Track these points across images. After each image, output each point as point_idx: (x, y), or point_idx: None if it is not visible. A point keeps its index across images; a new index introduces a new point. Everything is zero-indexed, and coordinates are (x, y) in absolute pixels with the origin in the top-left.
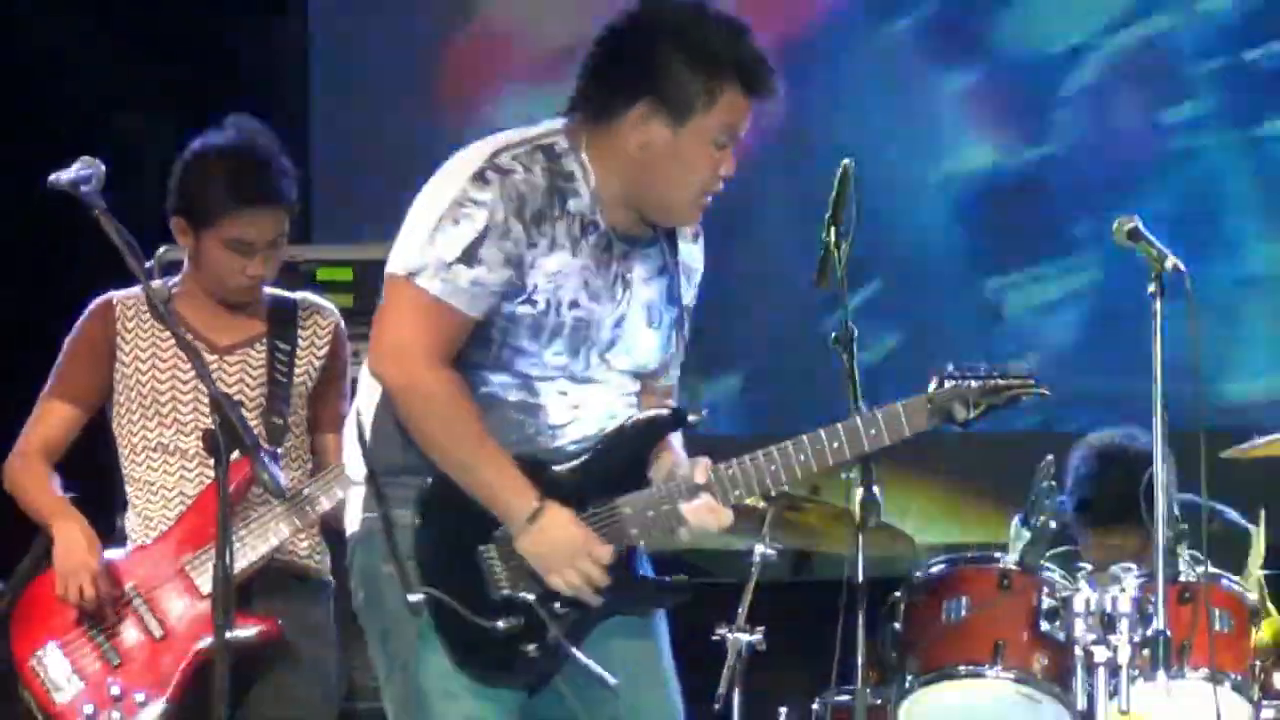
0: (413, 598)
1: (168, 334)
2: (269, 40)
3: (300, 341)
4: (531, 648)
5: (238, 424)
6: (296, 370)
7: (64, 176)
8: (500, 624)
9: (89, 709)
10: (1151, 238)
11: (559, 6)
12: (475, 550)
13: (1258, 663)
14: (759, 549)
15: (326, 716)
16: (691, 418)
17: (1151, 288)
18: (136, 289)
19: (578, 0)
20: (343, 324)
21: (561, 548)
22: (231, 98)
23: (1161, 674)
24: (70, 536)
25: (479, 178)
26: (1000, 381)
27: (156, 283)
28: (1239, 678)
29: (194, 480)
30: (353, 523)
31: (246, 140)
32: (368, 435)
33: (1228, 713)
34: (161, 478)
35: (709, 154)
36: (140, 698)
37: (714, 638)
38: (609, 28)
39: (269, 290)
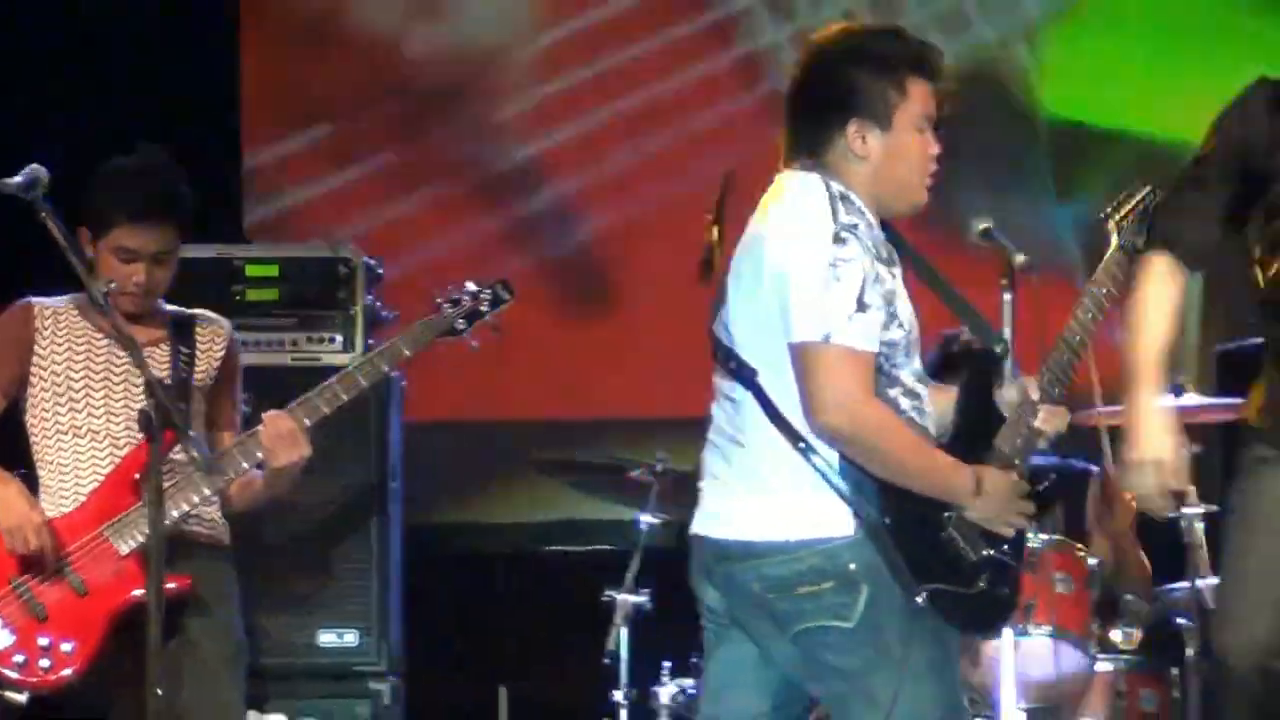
0: (919, 597)
1: (83, 329)
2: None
3: (199, 347)
4: (1005, 591)
5: (170, 406)
6: (197, 369)
7: (12, 181)
8: (982, 584)
9: (20, 658)
10: (1002, 238)
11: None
12: (939, 536)
13: (1095, 621)
14: (645, 519)
15: (236, 667)
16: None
17: (1003, 281)
18: (55, 300)
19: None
20: (235, 335)
21: (1001, 500)
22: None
23: (1009, 631)
24: (8, 496)
25: (838, 240)
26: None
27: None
28: (1077, 634)
29: (104, 459)
30: (817, 528)
31: (143, 162)
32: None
33: (1066, 664)
34: (73, 458)
35: (918, 141)
36: (67, 648)
37: (604, 599)
38: (794, 79)
39: (168, 307)
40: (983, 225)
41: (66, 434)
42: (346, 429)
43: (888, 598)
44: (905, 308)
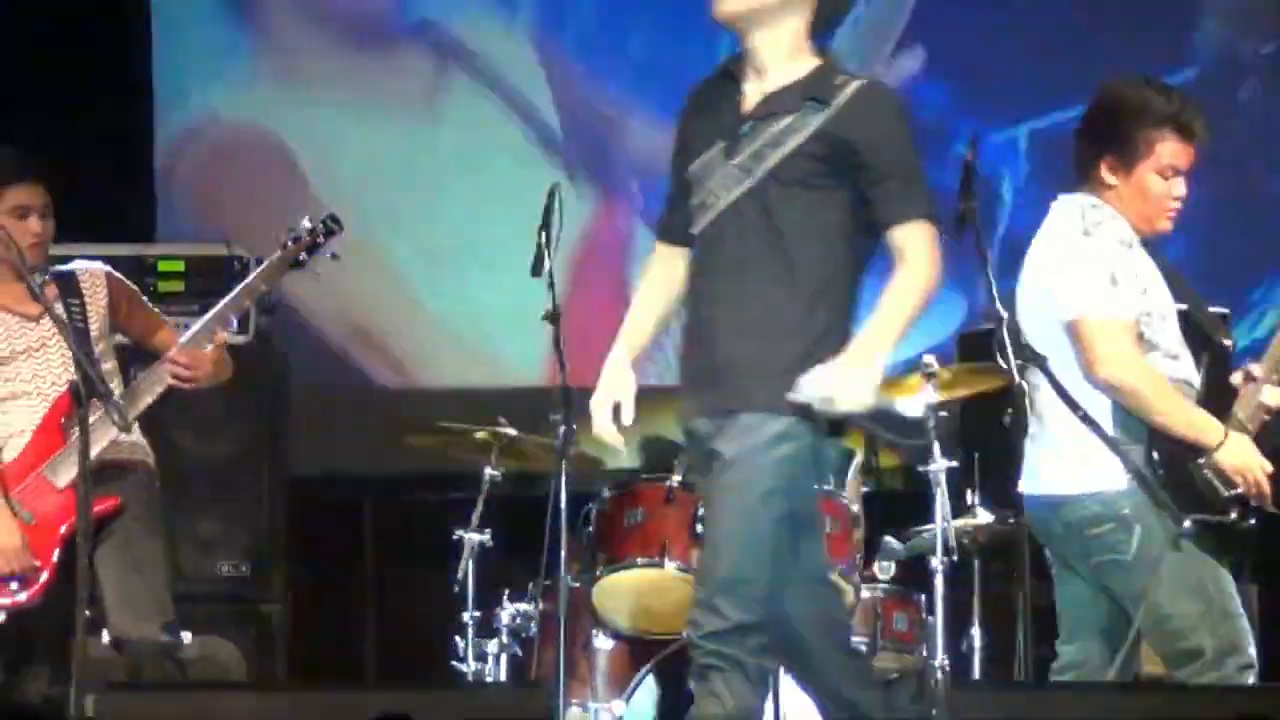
0: (1186, 523)
1: (3, 307)
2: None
3: (85, 295)
4: (1251, 523)
5: (94, 376)
6: (91, 320)
7: None
8: (1233, 515)
9: None
10: None
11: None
12: (1195, 474)
13: (859, 555)
14: (488, 471)
15: (165, 558)
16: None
17: None
18: None
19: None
20: (110, 270)
21: (1248, 451)
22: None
23: None
24: (3, 522)
25: (1086, 234)
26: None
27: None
28: (843, 566)
29: (37, 414)
30: (1096, 482)
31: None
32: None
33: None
34: (15, 419)
35: (1158, 186)
36: (37, 562)
37: (454, 537)
38: (1085, 115)
39: (52, 268)
40: None
41: (4, 399)
42: (244, 395)
43: (1157, 532)
44: (1156, 286)
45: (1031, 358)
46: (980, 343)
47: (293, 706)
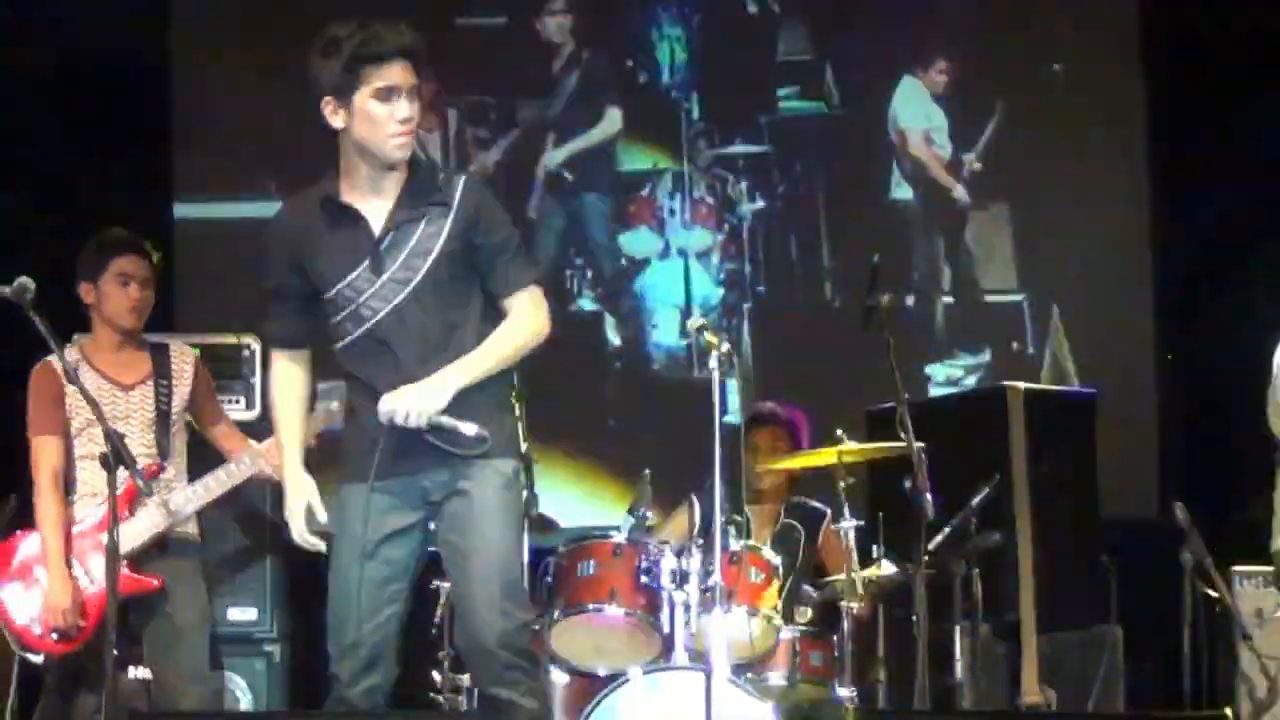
0: None
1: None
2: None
3: (174, 377)
4: None
5: (123, 450)
6: (174, 401)
7: (6, 290)
8: None
9: (38, 630)
10: (711, 329)
11: None
12: None
13: (780, 604)
14: None
15: (202, 629)
16: None
17: (712, 363)
18: (51, 356)
19: None
20: (196, 354)
21: None
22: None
23: (718, 609)
24: (58, 573)
25: None
26: None
27: (68, 355)
28: (767, 612)
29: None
30: None
31: (113, 228)
32: None
33: (759, 635)
34: (88, 478)
35: None
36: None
37: (432, 587)
38: None
39: (148, 338)
40: (699, 322)
41: (84, 458)
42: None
43: None
44: None
45: (1271, 438)
46: (884, 419)
47: None
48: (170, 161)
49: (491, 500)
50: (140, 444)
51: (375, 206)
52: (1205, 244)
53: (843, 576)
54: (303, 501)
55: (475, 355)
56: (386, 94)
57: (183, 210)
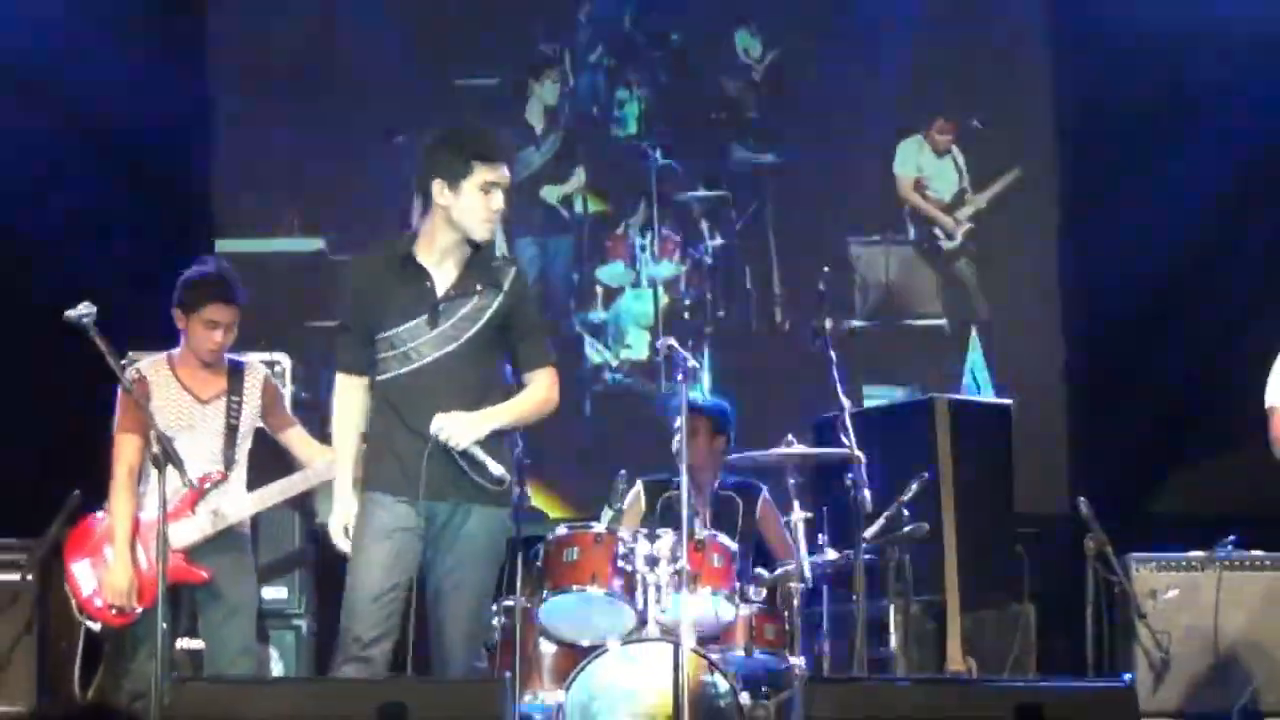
0: None
1: (168, 387)
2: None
3: (245, 394)
4: None
5: (171, 451)
6: (243, 417)
7: (71, 314)
8: None
9: (99, 603)
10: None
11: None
12: None
13: (739, 584)
14: None
15: (250, 609)
16: None
17: (678, 377)
18: (152, 361)
19: None
20: (267, 372)
21: None
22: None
23: (685, 590)
24: (122, 558)
25: None
26: None
27: (127, 376)
28: (726, 591)
29: (177, 480)
30: None
31: (218, 267)
32: None
33: (721, 612)
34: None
35: None
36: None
37: None
38: None
39: (228, 356)
40: (668, 342)
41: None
42: (278, 465)
43: None
44: None
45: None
46: (828, 426)
47: (315, 696)
48: (210, 203)
49: (483, 543)
50: (208, 452)
51: (442, 271)
52: (1105, 279)
53: (792, 561)
54: (346, 515)
55: (505, 407)
56: (489, 188)
57: (222, 245)
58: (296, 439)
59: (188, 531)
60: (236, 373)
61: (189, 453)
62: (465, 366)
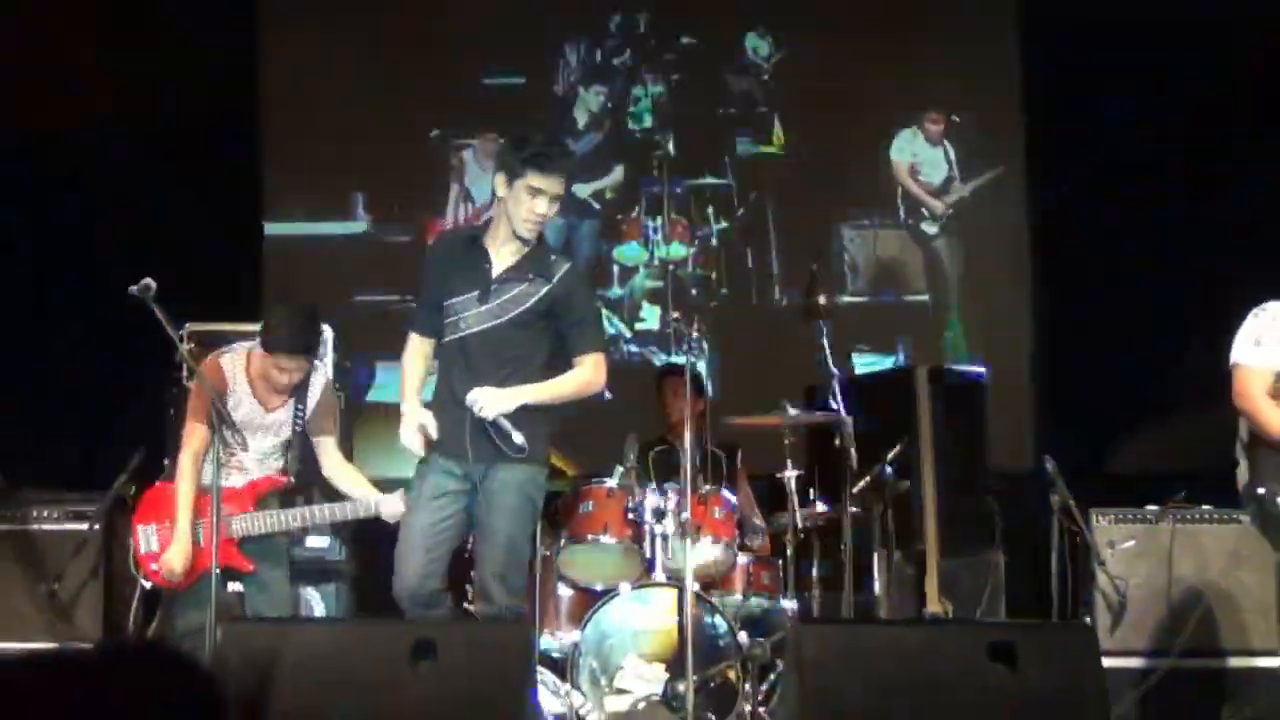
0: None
1: (243, 379)
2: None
3: (309, 399)
4: None
5: (226, 416)
6: (305, 420)
7: (134, 289)
8: None
9: (154, 566)
10: (686, 321)
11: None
12: None
13: (738, 533)
14: None
15: (284, 581)
16: None
17: (687, 347)
18: (233, 352)
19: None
20: (329, 379)
21: None
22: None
23: (689, 539)
24: (181, 543)
25: (1260, 313)
26: None
27: (185, 347)
28: (726, 541)
29: (235, 473)
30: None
31: (296, 309)
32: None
33: (720, 559)
34: (231, 459)
35: None
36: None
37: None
38: None
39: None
40: None
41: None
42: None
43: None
44: None
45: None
46: (820, 391)
47: (352, 634)
48: (260, 188)
49: (512, 496)
50: (272, 458)
51: (501, 255)
52: (1070, 263)
53: (785, 514)
54: (413, 420)
55: (541, 386)
56: (536, 192)
57: (271, 228)
58: (330, 449)
59: (242, 525)
60: (303, 381)
61: (254, 449)
62: (504, 342)
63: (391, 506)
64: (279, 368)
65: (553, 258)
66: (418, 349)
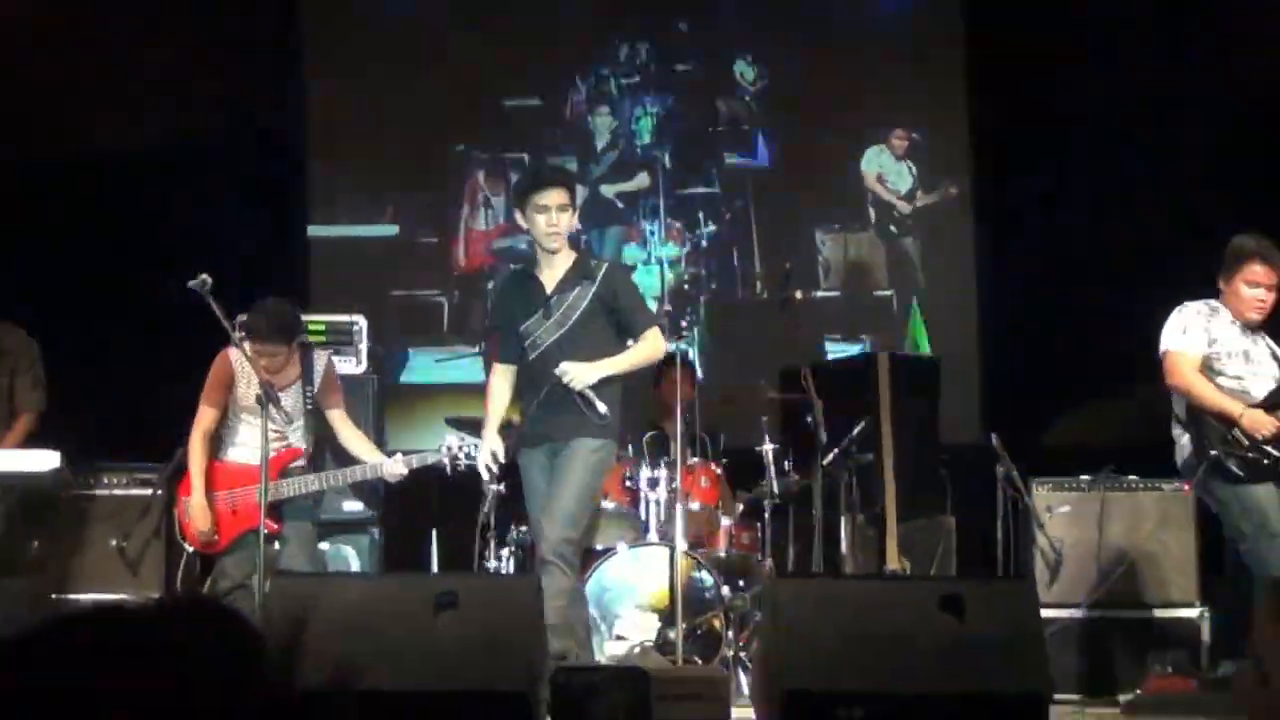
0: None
1: (244, 381)
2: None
3: (315, 378)
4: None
5: (272, 395)
6: (310, 399)
7: (192, 283)
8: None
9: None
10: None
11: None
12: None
13: (721, 499)
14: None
15: (312, 553)
16: None
17: (679, 336)
18: (236, 351)
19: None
20: (331, 359)
21: (1262, 422)
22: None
23: (679, 506)
24: (199, 513)
25: (1183, 309)
26: None
27: (237, 335)
28: (712, 506)
29: (255, 436)
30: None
31: (272, 304)
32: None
33: (711, 525)
34: (241, 430)
35: (1250, 293)
36: (218, 537)
37: (482, 489)
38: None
39: (297, 341)
40: None
41: (247, 418)
42: (358, 401)
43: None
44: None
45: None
46: (794, 375)
47: (384, 586)
48: (306, 195)
49: (582, 458)
50: (292, 431)
51: (549, 276)
52: (1013, 264)
53: (763, 483)
54: (490, 451)
55: (618, 358)
56: (540, 209)
57: (315, 230)
58: (340, 419)
59: (274, 490)
60: (307, 357)
61: (276, 418)
62: (575, 345)
63: (393, 468)
64: (257, 353)
65: (593, 262)
66: (502, 377)
